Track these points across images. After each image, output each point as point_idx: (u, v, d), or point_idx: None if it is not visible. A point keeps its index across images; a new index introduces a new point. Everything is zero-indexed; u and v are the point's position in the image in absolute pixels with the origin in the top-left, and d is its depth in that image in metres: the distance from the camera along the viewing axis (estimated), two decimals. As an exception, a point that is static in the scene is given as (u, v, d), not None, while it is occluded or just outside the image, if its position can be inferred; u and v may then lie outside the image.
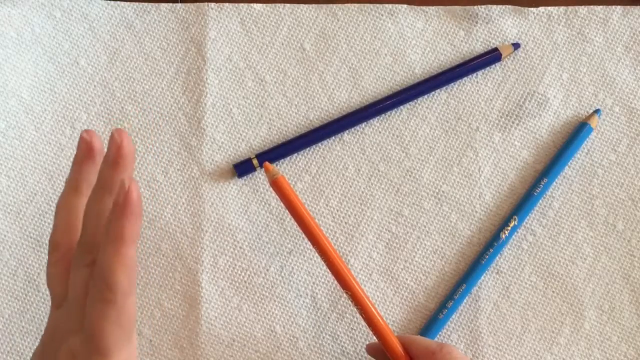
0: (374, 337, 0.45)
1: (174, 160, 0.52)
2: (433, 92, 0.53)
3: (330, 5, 0.54)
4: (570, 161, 0.52)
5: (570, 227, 0.51)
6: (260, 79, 0.53)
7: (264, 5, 0.54)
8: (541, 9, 0.54)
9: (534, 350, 0.50)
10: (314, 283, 0.50)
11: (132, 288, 0.36)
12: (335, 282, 0.45)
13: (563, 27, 0.53)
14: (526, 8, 0.54)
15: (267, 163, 0.45)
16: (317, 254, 0.46)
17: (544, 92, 0.53)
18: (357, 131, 0.52)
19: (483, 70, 0.53)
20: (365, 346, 0.48)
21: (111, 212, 0.36)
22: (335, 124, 0.52)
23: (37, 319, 0.50)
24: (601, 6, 0.54)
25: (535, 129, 0.52)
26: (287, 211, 0.45)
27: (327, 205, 0.51)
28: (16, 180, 0.51)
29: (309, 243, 0.45)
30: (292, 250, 0.51)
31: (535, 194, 0.50)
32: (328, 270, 0.45)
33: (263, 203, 0.51)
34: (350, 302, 0.50)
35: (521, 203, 0.51)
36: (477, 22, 0.53)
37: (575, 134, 0.52)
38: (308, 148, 0.52)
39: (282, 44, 0.53)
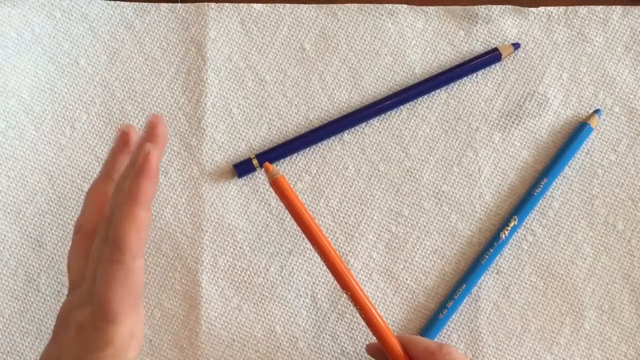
0: (374, 337, 0.45)
1: (174, 160, 0.52)
2: (433, 92, 0.53)
3: (330, 5, 0.54)
4: (570, 161, 0.52)
5: (570, 227, 0.51)
6: (260, 79, 0.53)
7: (264, 5, 0.54)
8: (541, 9, 0.54)
9: (534, 350, 0.50)
10: (314, 283, 0.50)
11: (141, 251, 0.37)
12: (335, 282, 0.45)
13: (563, 27, 0.53)
14: (526, 8, 0.54)
15: (267, 163, 0.45)
16: (317, 254, 0.45)
17: (544, 92, 0.53)
18: (357, 131, 0.52)
19: (483, 70, 0.53)
20: (365, 346, 0.48)
21: (128, 172, 0.37)
22: (335, 124, 0.52)
23: (37, 319, 0.50)
24: (601, 6, 0.54)
25: (535, 129, 0.52)
26: (287, 211, 0.45)
27: (327, 205, 0.51)
28: (16, 180, 0.51)
29: (309, 243, 0.45)
30: (292, 250, 0.51)
31: (535, 194, 0.50)
32: (328, 270, 0.45)
33: (263, 203, 0.51)
34: (350, 302, 0.50)
35: (521, 203, 0.51)
36: (477, 22, 0.53)
37: (575, 134, 0.52)
38: (308, 148, 0.52)
39: (282, 44, 0.53)
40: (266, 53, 0.53)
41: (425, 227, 0.51)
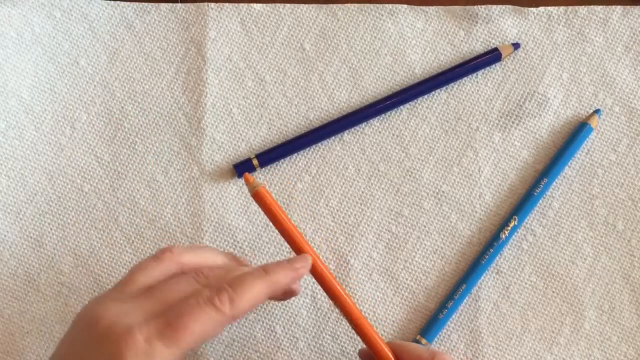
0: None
1: (174, 160, 0.52)
2: (433, 92, 0.53)
3: (330, 5, 0.54)
4: (570, 161, 0.52)
5: (570, 227, 0.51)
6: (260, 79, 0.53)
7: (264, 5, 0.54)
8: (541, 9, 0.54)
9: (534, 350, 0.50)
10: (314, 283, 0.50)
11: (240, 317, 0.39)
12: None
13: (563, 27, 0.53)
14: (526, 8, 0.54)
15: (246, 174, 0.43)
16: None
17: (544, 92, 0.53)
18: (357, 131, 0.52)
19: (483, 70, 0.53)
20: (358, 351, 0.48)
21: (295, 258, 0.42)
22: (335, 124, 0.52)
23: (37, 319, 0.50)
24: (601, 6, 0.54)
25: (535, 129, 0.52)
26: (287, 213, 0.45)
27: (327, 205, 0.51)
28: (16, 180, 0.51)
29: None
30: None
31: (535, 194, 0.50)
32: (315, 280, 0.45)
33: (263, 203, 0.51)
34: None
35: (521, 203, 0.51)
36: (477, 22, 0.53)
37: (575, 134, 0.52)
38: (308, 148, 0.52)
39: (282, 44, 0.53)
40: (266, 53, 0.53)
41: (425, 227, 0.51)
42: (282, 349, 0.50)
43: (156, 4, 0.53)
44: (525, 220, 0.51)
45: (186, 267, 0.42)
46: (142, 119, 0.52)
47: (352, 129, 0.52)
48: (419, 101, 0.53)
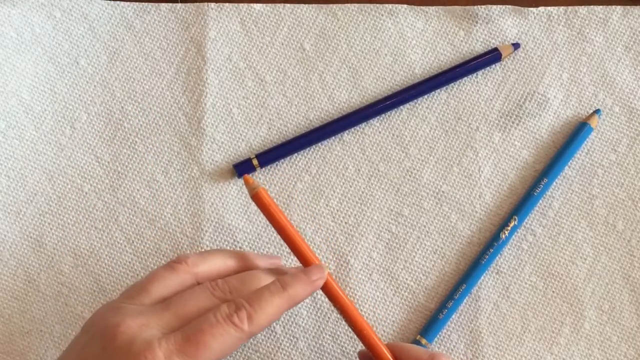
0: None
1: (174, 160, 0.52)
2: (433, 92, 0.53)
3: (330, 5, 0.54)
4: (570, 161, 0.52)
5: (570, 227, 0.51)
6: (260, 79, 0.53)
7: (264, 5, 0.54)
8: (541, 9, 0.54)
9: (534, 350, 0.50)
10: (314, 283, 0.50)
11: (258, 332, 0.39)
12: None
13: (563, 27, 0.53)
14: (526, 8, 0.54)
15: (246, 176, 0.43)
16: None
17: (544, 92, 0.53)
18: (357, 131, 0.52)
19: (483, 70, 0.53)
20: (357, 352, 0.48)
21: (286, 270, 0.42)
22: (335, 124, 0.52)
23: (37, 319, 0.50)
24: (601, 6, 0.54)
25: (535, 129, 0.52)
26: (285, 211, 0.45)
27: (327, 205, 0.51)
28: (16, 180, 0.51)
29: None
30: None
31: (535, 194, 0.50)
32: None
33: (263, 203, 0.51)
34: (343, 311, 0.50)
35: (521, 203, 0.51)
36: (477, 22, 0.53)
37: (575, 134, 0.52)
38: (308, 148, 0.52)
39: (282, 44, 0.53)
40: (266, 53, 0.53)
41: (425, 227, 0.51)
42: (282, 349, 0.50)
43: (156, 4, 0.53)
44: (525, 220, 0.51)
45: (200, 277, 0.42)
46: (142, 119, 0.52)
47: (352, 129, 0.52)
48: (419, 101, 0.53)
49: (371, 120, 0.52)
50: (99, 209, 0.51)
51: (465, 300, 0.50)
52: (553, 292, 0.50)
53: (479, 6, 0.53)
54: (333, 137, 0.52)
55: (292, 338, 0.50)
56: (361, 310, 0.50)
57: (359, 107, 0.52)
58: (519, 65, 0.53)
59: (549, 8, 0.54)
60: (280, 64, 0.53)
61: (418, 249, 0.51)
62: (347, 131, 0.52)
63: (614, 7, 0.54)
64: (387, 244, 0.51)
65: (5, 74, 0.52)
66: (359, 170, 0.52)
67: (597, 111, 0.52)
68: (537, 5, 0.54)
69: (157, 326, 0.38)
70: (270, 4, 0.54)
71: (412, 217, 0.51)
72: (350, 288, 0.50)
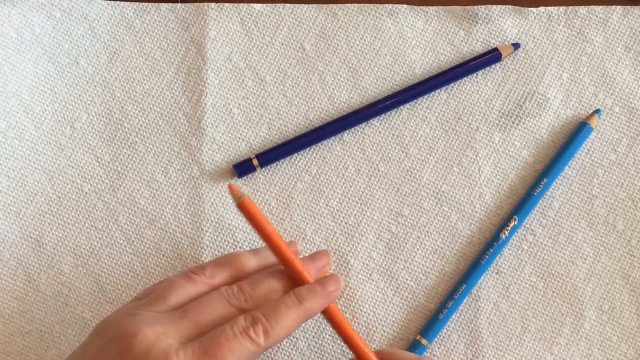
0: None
1: (174, 160, 0.52)
2: (433, 92, 0.53)
3: (330, 5, 0.54)
4: (570, 161, 0.52)
5: (570, 227, 0.51)
6: (260, 79, 0.53)
7: (264, 5, 0.54)
8: (541, 9, 0.54)
9: (534, 350, 0.50)
10: (314, 283, 0.50)
11: (273, 345, 0.40)
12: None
13: (563, 27, 0.53)
14: (526, 8, 0.54)
15: (231, 185, 0.42)
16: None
17: (544, 92, 0.53)
18: (357, 131, 0.52)
19: (483, 70, 0.53)
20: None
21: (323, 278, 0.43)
22: (335, 124, 0.52)
23: (37, 319, 0.50)
24: (601, 6, 0.54)
25: (535, 129, 0.52)
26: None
27: (327, 205, 0.51)
28: (16, 180, 0.51)
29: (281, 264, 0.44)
30: (292, 250, 0.51)
31: (535, 194, 0.50)
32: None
33: (263, 203, 0.51)
34: (342, 308, 0.50)
35: (521, 203, 0.51)
36: (477, 22, 0.53)
37: (575, 134, 0.52)
38: (308, 148, 0.52)
39: (282, 44, 0.53)
40: (266, 53, 0.53)
41: (425, 227, 0.51)
42: (282, 349, 0.50)
43: (156, 4, 0.53)
44: (525, 220, 0.51)
45: (217, 285, 0.42)
46: (142, 119, 0.52)
47: (352, 129, 0.52)
48: (419, 101, 0.53)
49: (371, 120, 0.52)
50: (99, 209, 0.51)
51: (465, 300, 0.50)
52: (553, 292, 0.50)
53: (479, 6, 0.53)
54: (333, 137, 0.52)
55: (292, 338, 0.50)
56: (361, 310, 0.50)
57: (359, 107, 0.52)
58: (519, 65, 0.53)
59: (549, 8, 0.54)
60: (280, 64, 0.53)
61: (418, 249, 0.51)
62: (347, 131, 0.52)
63: (614, 7, 0.54)
64: (387, 244, 0.51)
65: (5, 74, 0.52)
66: (359, 170, 0.52)
67: (597, 111, 0.52)
68: (537, 5, 0.54)
69: (174, 335, 0.38)
70: (270, 4, 0.54)
71: (412, 217, 0.51)
72: (350, 288, 0.50)
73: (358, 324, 0.50)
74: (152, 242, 0.51)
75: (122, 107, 0.52)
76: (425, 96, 0.53)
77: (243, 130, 0.52)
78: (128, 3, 0.53)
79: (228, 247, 0.51)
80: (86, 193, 0.51)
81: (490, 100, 0.53)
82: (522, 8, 0.53)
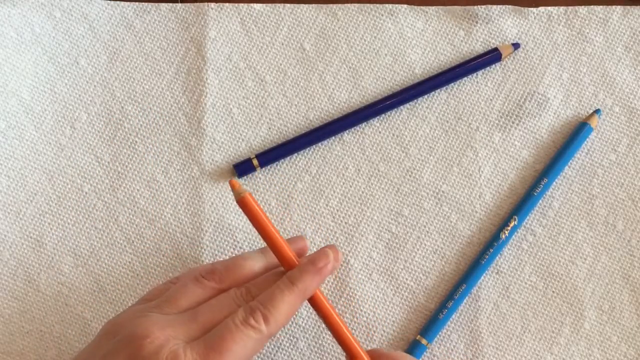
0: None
1: (174, 160, 0.52)
2: (433, 92, 0.53)
3: (330, 5, 0.54)
4: (570, 161, 0.52)
5: (570, 227, 0.51)
6: (260, 79, 0.53)
7: (264, 5, 0.54)
8: (541, 9, 0.54)
9: (534, 350, 0.50)
10: (314, 283, 0.50)
11: (278, 330, 0.40)
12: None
13: (563, 27, 0.53)
14: (526, 8, 0.54)
15: (232, 180, 0.42)
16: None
17: (544, 92, 0.53)
18: (357, 131, 0.52)
19: (483, 70, 0.53)
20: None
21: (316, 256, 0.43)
22: (335, 124, 0.52)
23: (37, 319, 0.50)
24: (601, 6, 0.54)
25: (535, 129, 0.52)
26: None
27: (327, 205, 0.51)
28: (16, 180, 0.51)
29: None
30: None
31: (535, 194, 0.50)
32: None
33: (263, 203, 0.51)
34: (342, 308, 0.50)
35: (521, 203, 0.51)
36: (477, 22, 0.53)
37: (575, 134, 0.52)
38: (308, 148, 0.52)
39: (282, 44, 0.53)
40: (266, 53, 0.53)
41: (425, 227, 0.51)
42: (282, 349, 0.50)
43: (156, 4, 0.53)
44: (525, 220, 0.51)
45: (224, 288, 0.43)
46: (142, 119, 0.52)
47: (352, 129, 0.52)
48: (419, 101, 0.53)
49: (371, 120, 0.52)
50: (99, 209, 0.51)
51: (465, 300, 0.50)
52: (553, 292, 0.50)
53: (479, 6, 0.53)
54: (333, 137, 0.52)
55: (292, 338, 0.50)
56: (361, 310, 0.50)
57: (359, 107, 0.52)
58: (519, 65, 0.53)
59: (549, 8, 0.54)
60: (280, 64, 0.53)
61: (418, 249, 0.51)
62: (347, 131, 0.52)
63: (614, 7, 0.54)
64: (387, 244, 0.51)
65: (5, 74, 0.52)
66: (359, 170, 0.52)
67: (597, 111, 0.52)
68: (537, 5, 0.54)
69: (184, 337, 0.39)
70: (270, 4, 0.54)
71: (412, 217, 0.51)
72: (350, 288, 0.50)
73: (358, 324, 0.50)
74: (152, 242, 0.51)
75: (122, 107, 0.52)
76: (425, 96, 0.53)
77: (243, 130, 0.52)
78: (128, 3, 0.53)
79: (228, 247, 0.51)
80: (86, 193, 0.51)
81: (490, 100, 0.53)
82: (522, 8, 0.53)
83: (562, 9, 0.54)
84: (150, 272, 0.50)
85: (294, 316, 0.50)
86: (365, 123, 0.52)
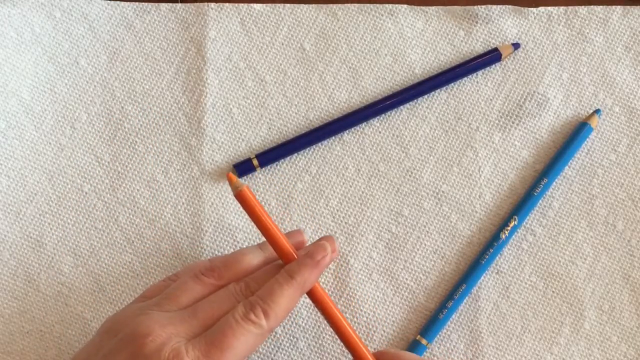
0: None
1: (174, 160, 0.52)
2: (433, 92, 0.53)
3: (330, 5, 0.54)
4: (570, 161, 0.52)
5: (570, 227, 0.51)
6: (260, 79, 0.53)
7: (264, 5, 0.54)
8: (541, 9, 0.54)
9: (534, 350, 0.50)
10: (314, 283, 0.50)
11: (278, 324, 0.40)
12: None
13: (563, 27, 0.53)
14: (526, 8, 0.54)
15: (230, 174, 0.42)
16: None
17: (544, 92, 0.53)
18: (357, 131, 0.52)
19: (483, 70, 0.53)
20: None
21: (312, 249, 0.42)
22: (335, 124, 0.52)
23: (37, 319, 0.50)
24: (601, 6, 0.54)
25: (535, 129, 0.52)
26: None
27: (327, 205, 0.51)
28: (16, 180, 0.51)
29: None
30: (292, 250, 0.51)
31: (535, 194, 0.50)
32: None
33: (263, 203, 0.51)
34: (342, 308, 0.50)
35: (521, 203, 0.51)
36: (477, 22, 0.53)
37: (575, 134, 0.52)
38: (308, 148, 0.52)
39: (282, 44, 0.53)
40: (266, 53, 0.53)
41: (425, 227, 0.51)
42: (282, 349, 0.50)
43: (156, 4, 0.53)
44: (525, 220, 0.51)
45: (224, 284, 0.43)
46: (142, 119, 0.52)
47: (352, 129, 0.52)
48: (419, 101, 0.53)
49: (371, 120, 0.52)
50: (99, 209, 0.51)
51: (465, 300, 0.50)
52: (553, 292, 0.50)
53: (479, 6, 0.53)
54: (333, 137, 0.52)
55: (292, 338, 0.50)
56: (361, 310, 0.50)
57: (359, 107, 0.52)
58: (519, 65, 0.53)
59: (549, 8, 0.54)
60: (280, 64, 0.53)
61: (418, 249, 0.51)
62: (347, 131, 0.52)
63: (614, 7, 0.54)
64: (387, 244, 0.51)
65: (5, 74, 0.52)
66: (359, 170, 0.52)
67: (597, 111, 0.52)
68: (537, 5, 0.54)
69: (185, 335, 0.39)
70: (270, 4, 0.54)
71: (412, 217, 0.51)
72: (350, 288, 0.50)
73: (358, 324, 0.50)
74: (152, 242, 0.51)
75: (122, 107, 0.52)
76: (425, 96, 0.53)
77: (243, 130, 0.52)
78: (128, 3, 0.53)
79: (228, 247, 0.51)
80: (86, 193, 0.51)
81: (490, 100, 0.53)
82: (522, 8, 0.53)
83: (562, 9, 0.54)
84: (150, 272, 0.50)
85: (294, 316, 0.50)
86: (365, 123, 0.52)
